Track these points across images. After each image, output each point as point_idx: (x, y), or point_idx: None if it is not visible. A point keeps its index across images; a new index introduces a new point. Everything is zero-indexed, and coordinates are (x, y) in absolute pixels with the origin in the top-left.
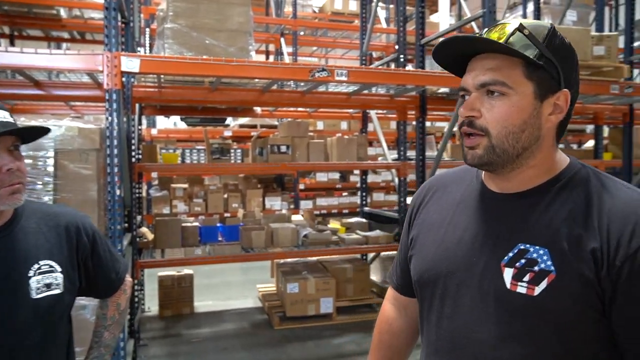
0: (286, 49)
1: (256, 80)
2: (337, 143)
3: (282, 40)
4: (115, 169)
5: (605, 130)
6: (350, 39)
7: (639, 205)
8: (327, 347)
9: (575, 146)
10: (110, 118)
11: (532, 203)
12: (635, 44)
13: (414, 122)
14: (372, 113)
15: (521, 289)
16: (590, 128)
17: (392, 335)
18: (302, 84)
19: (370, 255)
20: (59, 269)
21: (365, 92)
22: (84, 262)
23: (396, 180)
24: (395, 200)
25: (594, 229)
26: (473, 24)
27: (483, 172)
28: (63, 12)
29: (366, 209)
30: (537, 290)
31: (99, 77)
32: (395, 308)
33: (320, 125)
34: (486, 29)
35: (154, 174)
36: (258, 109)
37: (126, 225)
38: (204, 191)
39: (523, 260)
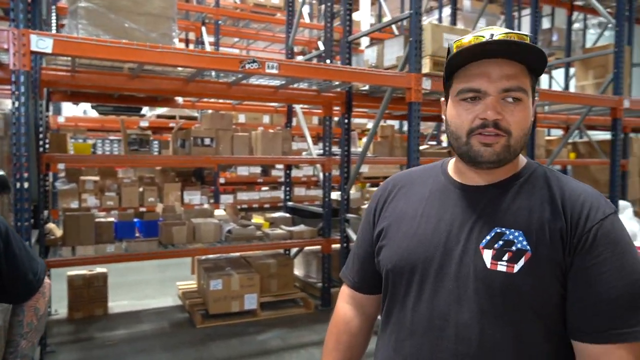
0: (207, 39)
1: (180, 69)
2: (262, 137)
3: (204, 29)
4: (23, 159)
5: None
6: (272, 31)
7: (588, 194)
8: (252, 344)
9: None
10: (17, 103)
11: (501, 193)
12: None
13: (336, 118)
14: (297, 108)
15: (501, 267)
16: None
17: (351, 335)
18: (224, 74)
19: (294, 250)
20: None
21: (293, 86)
22: None
23: (321, 175)
24: (316, 195)
25: (559, 214)
26: (393, 25)
27: (450, 167)
28: None
29: (290, 203)
30: (516, 267)
31: (3, 57)
32: (352, 307)
33: (242, 118)
34: (492, 34)
35: (61, 166)
36: (180, 99)
37: (32, 220)
38: (117, 184)
39: (501, 242)
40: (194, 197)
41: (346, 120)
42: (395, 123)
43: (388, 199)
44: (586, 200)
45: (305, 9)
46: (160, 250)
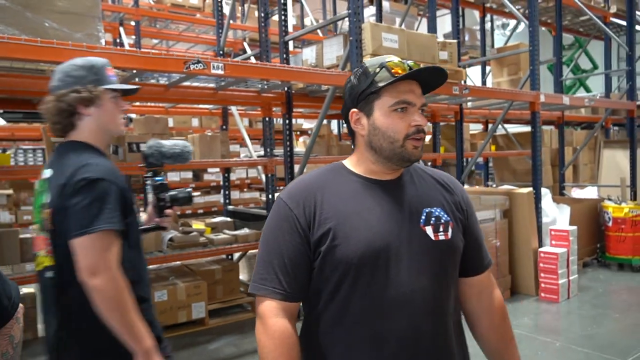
0: (127, 40)
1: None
2: (199, 140)
3: (122, 29)
4: None
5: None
6: (194, 32)
7: (447, 174)
8: (204, 354)
9: None
10: None
11: (408, 183)
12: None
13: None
14: (234, 109)
15: (441, 236)
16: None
17: (296, 349)
18: (161, 76)
19: (236, 254)
20: None
21: (231, 87)
22: None
23: (263, 177)
24: (252, 198)
25: (450, 190)
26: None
27: (353, 169)
28: None
29: (230, 207)
30: (450, 234)
31: None
32: (286, 320)
33: (170, 122)
34: (411, 62)
35: None
36: None
37: None
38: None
39: (433, 219)
40: None
41: (287, 121)
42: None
43: (316, 204)
44: (452, 178)
45: (226, 10)
46: None
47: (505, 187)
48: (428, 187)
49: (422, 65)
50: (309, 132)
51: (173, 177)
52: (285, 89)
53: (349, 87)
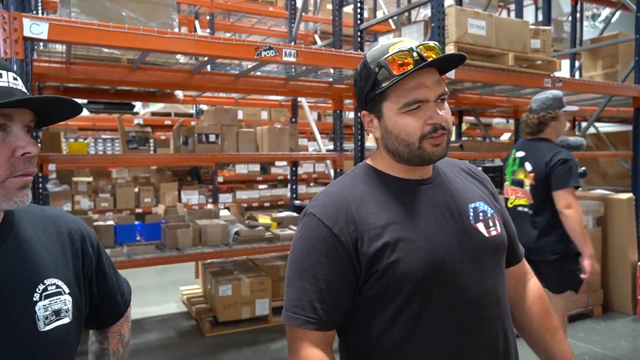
0: (201, 32)
1: (183, 60)
2: (268, 133)
3: (197, 22)
4: None
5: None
6: (266, 25)
7: (469, 163)
8: (266, 353)
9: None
10: None
11: (444, 179)
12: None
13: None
14: (304, 101)
15: (493, 231)
16: (495, 121)
17: None
18: (231, 66)
19: None
20: (66, 290)
21: (302, 78)
22: (89, 281)
23: (331, 172)
24: (318, 193)
25: (482, 180)
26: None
27: (384, 170)
28: None
29: (296, 202)
30: (499, 228)
31: None
32: (325, 352)
33: (240, 114)
34: (420, 45)
35: (52, 167)
36: (180, 94)
37: None
38: (112, 185)
39: (480, 214)
40: (192, 196)
41: (359, 113)
42: None
43: (359, 217)
44: (476, 167)
45: (299, 3)
46: (166, 255)
47: (599, 191)
48: (462, 181)
49: (432, 52)
50: None
51: (241, 169)
52: None
53: (356, 87)
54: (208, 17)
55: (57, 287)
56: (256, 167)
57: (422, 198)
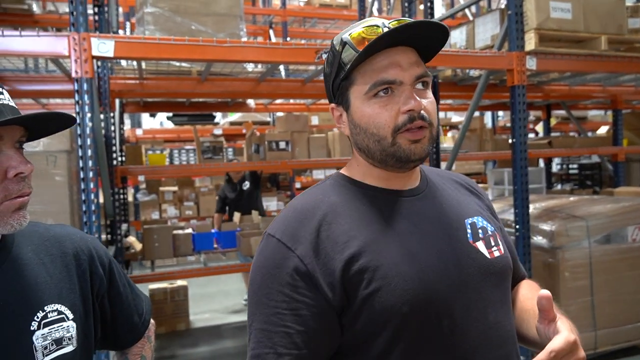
0: (276, 41)
1: (249, 69)
2: (339, 137)
3: (271, 31)
4: (90, 173)
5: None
6: (341, 29)
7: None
8: None
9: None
10: (81, 113)
11: (435, 190)
12: None
13: None
14: None
15: (495, 252)
16: (591, 114)
17: None
18: (295, 72)
19: None
20: (70, 315)
21: None
22: (99, 302)
23: None
24: None
25: (478, 193)
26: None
27: (361, 177)
28: (35, 7)
29: None
30: (502, 248)
31: (67, 65)
32: None
33: (315, 120)
34: (393, 21)
35: (141, 177)
36: (252, 103)
37: (109, 236)
38: (195, 193)
39: (480, 231)
40: (271, 203)
41: None
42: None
43: (329, 236)
44: (468, 178)
45: (375, 5)
46: (241, 263)
47: None
48: (455, 193)
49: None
50: (459, 126)
51: (318, 174)
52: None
53: (324, 78)
54: (281, 26)
55: (60, 313)
56: (332, 172)
57: (407, 212)
